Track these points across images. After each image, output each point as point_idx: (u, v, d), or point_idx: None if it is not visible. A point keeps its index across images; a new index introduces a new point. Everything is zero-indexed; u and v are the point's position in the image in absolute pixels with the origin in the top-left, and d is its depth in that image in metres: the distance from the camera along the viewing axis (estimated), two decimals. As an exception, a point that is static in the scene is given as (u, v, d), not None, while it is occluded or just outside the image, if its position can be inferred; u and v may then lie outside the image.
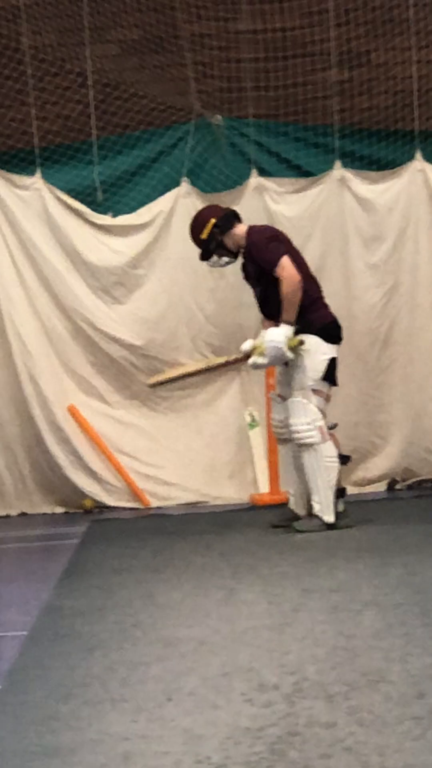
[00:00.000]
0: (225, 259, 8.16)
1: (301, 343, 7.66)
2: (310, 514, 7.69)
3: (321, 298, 8.01)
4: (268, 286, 7.86)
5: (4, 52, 9.85)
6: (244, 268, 8.21)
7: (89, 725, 3.62)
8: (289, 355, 7.65)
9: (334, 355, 7.87)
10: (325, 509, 7.61)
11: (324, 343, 7.80)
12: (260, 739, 3.33)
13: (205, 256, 8.19)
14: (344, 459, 7.84)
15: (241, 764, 3.14)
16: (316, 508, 7.62)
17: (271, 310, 7.87)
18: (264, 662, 4.26)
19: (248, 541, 7.47)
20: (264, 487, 9.60)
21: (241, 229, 8.06)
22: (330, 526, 7.61)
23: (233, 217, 8.14)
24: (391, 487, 9.92)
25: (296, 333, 7.71)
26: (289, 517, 7.84)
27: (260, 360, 7.77)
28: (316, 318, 7.84)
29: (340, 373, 9.86)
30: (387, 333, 9.95)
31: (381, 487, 9.95)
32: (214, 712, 3.66)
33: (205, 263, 8.32)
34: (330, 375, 7.85)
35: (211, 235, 8.05)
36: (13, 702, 3.97)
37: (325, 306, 8.02)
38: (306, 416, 7.62)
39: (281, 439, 8.08)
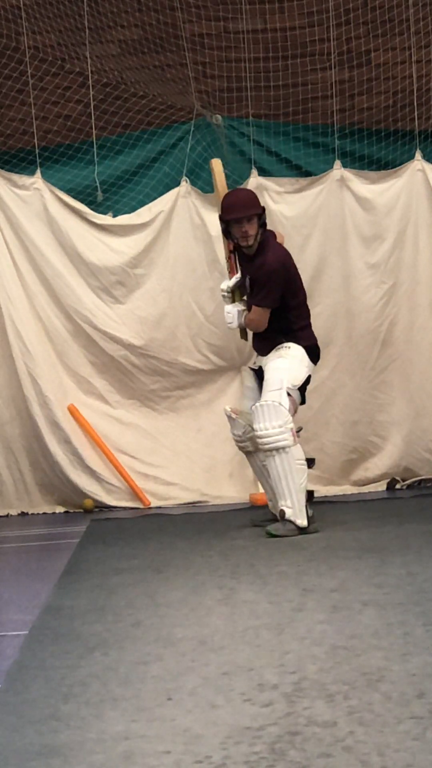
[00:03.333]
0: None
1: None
2: (283, 518, 7.59)
3: (309, 324, 8.02)
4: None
5: (4, 52, 9.86)
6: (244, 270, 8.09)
7: (89, 724, 3.62)
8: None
9: (311, 374, 7.92)
10: (298, 513, 7.53)
11: (307, 357, 7.85)
12: (260, 739, 3.33)
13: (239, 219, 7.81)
14: (310, 462, 7.75)
15: (241, 763, 3.14)
16: (288, 512, 7.53)
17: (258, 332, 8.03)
18: (264, 662, 4.26)
19: (248, 541, 7.47)
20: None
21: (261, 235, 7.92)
22: (302, 530, 7.53)
23: None
24: (390, 486, 9.92)
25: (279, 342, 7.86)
26: (270, 518, 7.84)
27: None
28: (303, 337, 7.90)
29: (340, 373, 9.92)
30: (387, 333, 9.95)
31: (381, 486, 9.95)
32: (214, 712, 3.66)
33: (225, 228, 7.93)
34: (302, 391, 7.86)
35: (262, 215, 7.90)
36: (13, 701, 3.98)
37: (312, 330, 8.03)
38: (278, 419, 7.50)
39: (246, 452, 8.10)
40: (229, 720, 3.56)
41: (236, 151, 10.04)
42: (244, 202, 7.93)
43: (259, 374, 7.96)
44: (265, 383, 7.75)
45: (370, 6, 9.97)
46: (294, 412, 7.71)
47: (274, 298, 7.80)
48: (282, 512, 7.54)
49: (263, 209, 7.97)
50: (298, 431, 7.68)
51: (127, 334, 9.93)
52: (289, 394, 7.64)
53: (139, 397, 10.03)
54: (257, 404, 7.62)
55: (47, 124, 9.98)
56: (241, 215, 7.82)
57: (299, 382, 7.75)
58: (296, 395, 7.76)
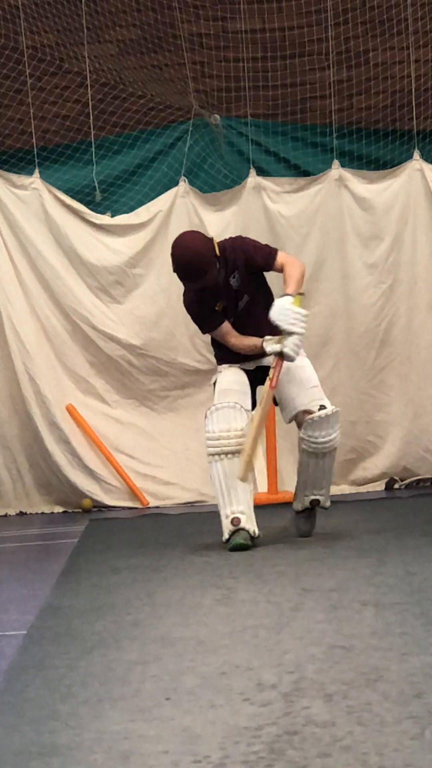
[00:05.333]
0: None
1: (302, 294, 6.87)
2: (313, 509, 7.45)
3: None
4: (255, 294, 7.09)
5: (2, 52, 9.86)
6: (215, 291, 7.18)
7: (88, 724, 3.62)
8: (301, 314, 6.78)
9: None
10: (327, 497, 7.49)
11: None
12: (259, 738, 3.32)
13: (224, 274, 7.14)
14: None
15: (240, 763, 3.14)
16: (322, 500, 7.41)
17: (256, 325, 7.02)
18: (262, 661, 4.25)
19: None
20: (262, 486, 9.60)
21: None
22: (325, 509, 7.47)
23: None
24: (389, 486, 9.93)
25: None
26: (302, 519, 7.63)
27: (292, 345, 6.82)
28: None
29: (339, 372, 9.93)
30: (385, 332, 9.95)
31: (379, 486, 9.95)
32: (213, 712, 3.66)
33: (229, 283, 7.16)
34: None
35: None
36: (12, 701, 3.97)
37: None
38: (338, 422, 7.23)
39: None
40: (228, 720, 3.55)
41: (234, 151, 10.05)
42: (203, 261, 7.14)
43: (254, 376, 7.26)
44: (299, 380, 7.10)
45: (368, 6, 9.97)
46: None
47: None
48: (317, 501, 7.37)
49: (215, 256, 7.15)
50: None
51: (126, 333, 9.93)
52: None
53: (137, 396, 10.03)
54: (323, 413, 7.11)
55: (45, 124, 9.99)
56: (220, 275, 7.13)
57: None
58: None
